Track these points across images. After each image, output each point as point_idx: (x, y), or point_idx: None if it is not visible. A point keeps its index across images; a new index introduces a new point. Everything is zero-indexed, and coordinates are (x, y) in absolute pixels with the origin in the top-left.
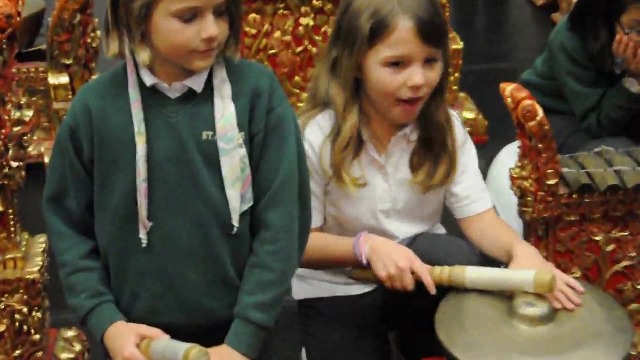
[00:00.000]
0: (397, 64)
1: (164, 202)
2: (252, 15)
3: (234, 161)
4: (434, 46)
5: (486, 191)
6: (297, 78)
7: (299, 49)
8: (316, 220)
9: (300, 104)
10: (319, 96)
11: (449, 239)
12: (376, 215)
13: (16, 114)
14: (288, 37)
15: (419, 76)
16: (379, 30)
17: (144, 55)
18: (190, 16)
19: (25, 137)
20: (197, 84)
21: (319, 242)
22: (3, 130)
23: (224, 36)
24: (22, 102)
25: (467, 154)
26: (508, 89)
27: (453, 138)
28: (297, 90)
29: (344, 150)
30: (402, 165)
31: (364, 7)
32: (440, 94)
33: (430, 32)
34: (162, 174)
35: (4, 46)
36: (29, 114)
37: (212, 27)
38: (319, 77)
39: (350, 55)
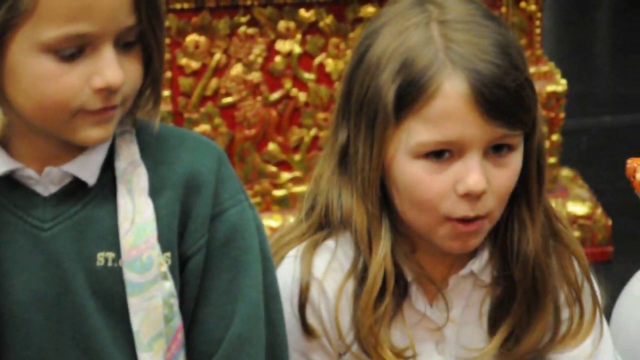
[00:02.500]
0: (441, 154)
1: None
2: (193, 37)
3: (152, 305)
4: (508, 125)
5: None
6: (271, 146)
7: (275, 94)
8: None
9: (279, 193)
10: (324, 210)
11: None
12: None
13: None
14: (256, 75)
15: (475, 175)
16: (411, 96)
17: None
18: (74, 51)
19: None
20: (87, 170)
21: None
22: None
23: (133, 85)
24: None
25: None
26: None
27: (579, 279)
28: (273, 168)
29: (377, 305)
30: (468, 323)
31: (389, 54)
32: (527, 206)
33: (499, 100)
34: (23, 331)
35: None
36: None
37: (112, 69)
38: (322, 175)
39: (369, 139)
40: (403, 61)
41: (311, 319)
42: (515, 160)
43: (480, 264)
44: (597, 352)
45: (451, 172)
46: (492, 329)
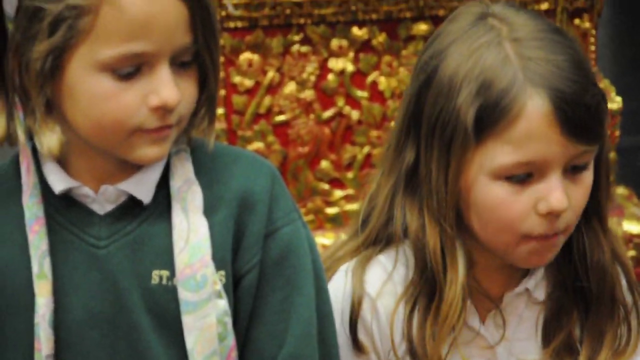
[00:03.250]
0: (522, 175)
1: None
2: (246, 55)
3: (206, 323)
4: (588, 142)
5: None
6: (324, 164)
7: (328, 112)
8: None
9: (331, 211)
10: (380, 227)
11: None
12: None
13: None
14: (309, 93)
15: (558, 195)
16: (492, 117)
17: (50, 140)
18: (131, 70)
19: None
20: (142, 188)
21: None
22: None
23: (189, 104)
24: None
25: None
26: None
27: (629, 291)
28: (326, 186)
29: (452, 330)
30: (521, 340)
31: (464, 75)
32: (598, 219)
33: (581, 118)
34: (81, 347)
35: None
36: None
37: (168, 89)
38: (379, 193)
39: (444, 160)
40: (481, 82)
41: (361, 335)
42: (588, 176)
43: (535, 281)
44: None
45: (532, 192)
46: (546, 341)
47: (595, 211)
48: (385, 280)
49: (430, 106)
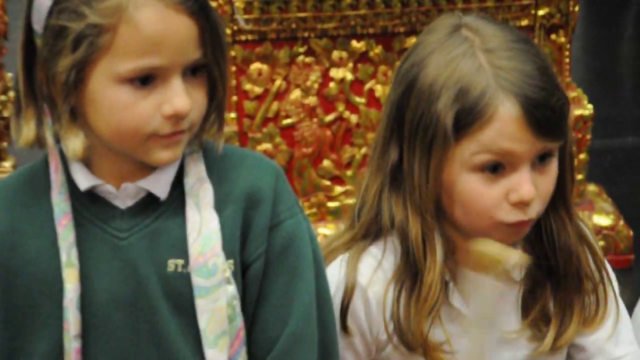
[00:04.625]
0: (496, 168)
1: None
2: (256, 65)
3: (217, 306)
4: (553, 138)
5: (634, 343)
6: (326, 163)
7: (330, 117)
8: None
9: (332, 205)
10: (371, 220)
11: None
12: None
13: None
14: (312, 99)
15: (527, 187)
16: (468, 120)
17: (75, 144)
18: (146, 81)
19: None
20: (159, 186)
21: None
22: None
23: (200, 111)
24: None
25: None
26: None
27: (595, 267)
28: (327, 182)
29: (432, 310)
30: (502, 313)
31: (443, 83)
32: (564, 205)
33: (547, 119)
34: (105, 329)
35: None
36: None
37: (180, 98)
38: (369, 190)
39: (425, 159)
40: (459, 89)
41: (350, 320)
42: (554, 166)
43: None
44: (617, 332)
45: (504, 183)
46: (524, 314)
47: (561, 199)
48: (375, 268)
49: (412, 111)
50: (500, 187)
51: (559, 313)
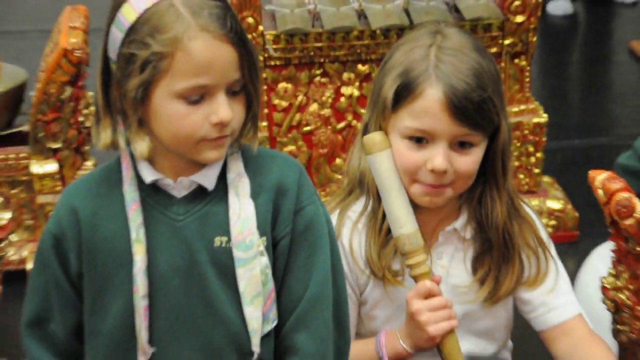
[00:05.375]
0: (420, 139)
1: (168, 324)
2: (283, 84)
3: (253, 273)
4: (470, 127)
5: (570, 294)
6: (338, 161)
7: (341, 124)
8: None
9: None
10: (352, 176)
11: None
12: None
13: None
14: (327, 111)
15: (440, 159)
16: (404, 94)
17: (142, 146)
18: (197, 97)
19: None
20: (207, 179)
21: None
22: None
23: (239, 121)
24: None
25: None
26: (599, 178)
27: (534, 239)
28: (339, 176)
29: (385, 244)
30: (456, 269)
31: (397, 64)
32: (496, 187)
33: (464, 108)
34: (166, 291)
35: None
36: (5, 216)
37: (224, 110)
38: (353, 151)
39: (376, 122)
40: (404, 69)
41: None
42: (475, 153)
43: (461, 223)
44: (556, 287)
45: (424, 152)
46: (474, 270)
47: (494, 183)
48: (351, 229)
49: (377, 82)
50: (421, 154)
51: (494, 272)
